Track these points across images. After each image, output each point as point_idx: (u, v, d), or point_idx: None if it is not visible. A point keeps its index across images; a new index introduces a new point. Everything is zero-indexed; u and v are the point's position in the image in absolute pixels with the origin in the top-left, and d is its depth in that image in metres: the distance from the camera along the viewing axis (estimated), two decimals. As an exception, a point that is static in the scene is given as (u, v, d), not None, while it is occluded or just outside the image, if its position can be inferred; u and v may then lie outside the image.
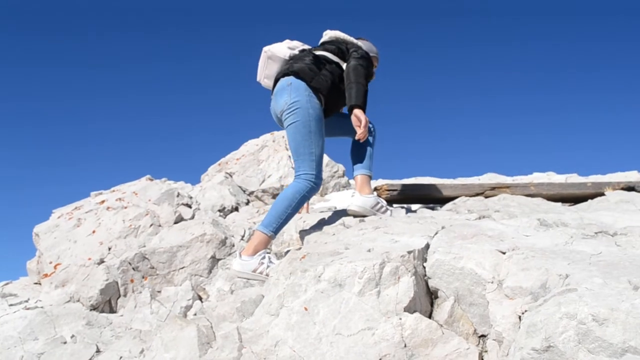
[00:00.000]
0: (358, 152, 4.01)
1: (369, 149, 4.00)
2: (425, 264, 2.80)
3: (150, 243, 4.15)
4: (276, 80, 3.84)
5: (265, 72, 3.99)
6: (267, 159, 6.20)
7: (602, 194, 5.00)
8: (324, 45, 4.05)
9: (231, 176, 6.05)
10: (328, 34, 4.19)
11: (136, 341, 3.01)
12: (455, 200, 4.84)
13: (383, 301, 2.55)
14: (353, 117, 3.67)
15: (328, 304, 2.57)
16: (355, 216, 3.98)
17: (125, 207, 4.75)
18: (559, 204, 4.87)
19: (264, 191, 5.88)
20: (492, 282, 2.54)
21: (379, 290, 2.58)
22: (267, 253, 3.58)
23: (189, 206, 5.26)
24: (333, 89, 3.80)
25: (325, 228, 3.75)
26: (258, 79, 4.05)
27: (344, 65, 3.89)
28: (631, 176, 6.49)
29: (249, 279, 3.48)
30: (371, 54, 4.08)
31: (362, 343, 2.41)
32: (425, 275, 2.77)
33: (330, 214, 4.41)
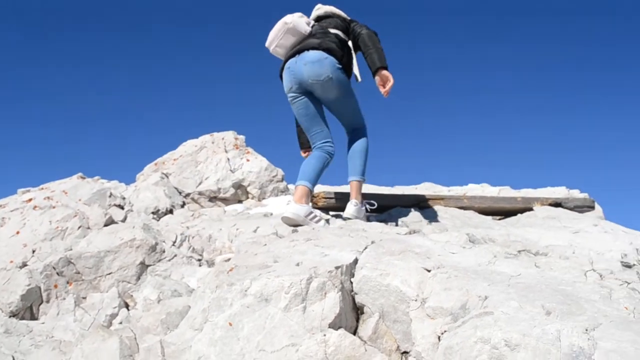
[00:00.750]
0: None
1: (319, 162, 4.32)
2: (352, 279, 2.81)
3: (77, 246, 4.03)
4: (299, 51, 4.15)
5: (281, 41, 4.26)
6: (205, 161, 6.12)
7: (531, 209, 5.16)
8: (329, 23, 4.33)
9: (167, 177, 5.94)
10: (322, 9, 4.49)
11: (55, 352, 2.92)
12: (391, 211, 4.91)
13: (308, 317, 2.56)
14: (379, 79, 4.03)
15: (253, 319, 2.55)
16: (288, 224, 4.00)
17: (54, 207, 4.61)
18: (490, 217, 5.00)
19: (200, 193, 5.80)
20: (415, 300, 2.58)
21: (305, 305, 2.59)
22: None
23: (122, 207, 5.15)
24: (351, 66, 4.23)
25: (258, 237, 3.74)
26: (268, 45, 4.34)
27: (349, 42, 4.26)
28: (559, 192, 6.72)
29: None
30: None
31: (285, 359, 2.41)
32: (352, 290, 2.78)
33: (265, 221, 4.40)
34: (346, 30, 4.34)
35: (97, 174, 6.08)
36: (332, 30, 4.26)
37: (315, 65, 4.07)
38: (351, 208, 4.29)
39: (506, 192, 6.96)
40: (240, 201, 5.87)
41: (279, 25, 4.26)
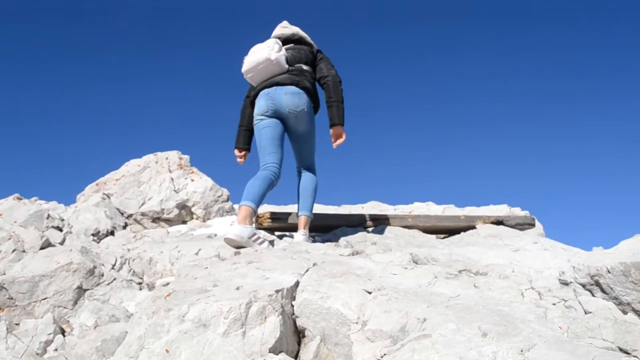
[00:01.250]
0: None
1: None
2: (293, 303, 2.79)
3: (11, 271, 3.88)
4: (278, 83, 4.46)
5: (260, 73, 4.52)
6: (149, 181, 6.01)
7: (474, 227, 5.24)
8: (300, 55, 4.63)
9: (109, 197, 5.81)
10: (289, 29, 4.79)
11: (-17, 383, 2.78)
12: (336, 230, 4.91)
13: (248, 342, 2.51)
14: (333, 132, 4.44)
15: (191, 346, 2.49)
16: (231, 246, 3.95)
17: (-13, 230, 4.43)
18: (434, 236, 5.05)
19: (143, 214, 5.69)
20: (356, 323, 2.57)
21: (245, 330, 2.54)
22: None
23: (60, 229, 5.00)
24: (316, 103, 4.60)
25: (200, 260, 3.67)
26: (245, 73, 4.57)
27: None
28: (501, 209, 6.85)
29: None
30: None
31: (223, 387, 2.36)
32: (294, 314, 2.75)
33: (208, 242, 4.33)
34: (313, 62, 4.68)
35: (35, 195, 5.90)
36: (305, 67, 4.60)
37: (295, 97, 4.42)
38: (300, 237, 4.45)
39: (451, 210, 7.07)
40: (184, 222, 5.79)
41: (261, 58, 4.48)
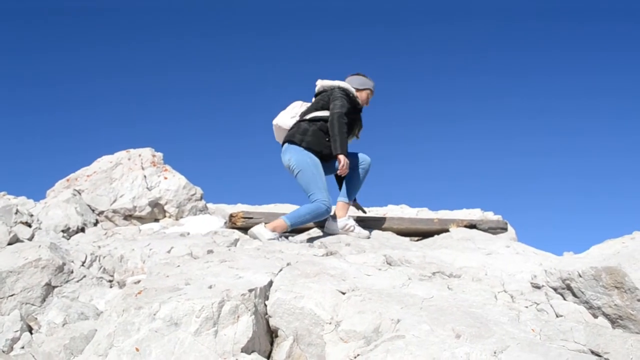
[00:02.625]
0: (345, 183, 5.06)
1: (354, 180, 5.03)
2: (267, 302, 2.76)
3: (-22, 266, 3.79)
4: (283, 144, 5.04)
5: (278, 136, 5.23)
6: (121, 178, 5.91)
7: (447, 230, 5.25)
8: (316, 104, 5.05)
9: (80, 193, 5.70)
10: (318, 84, 5.20)
11: (-55, 381, 2.71)
12: (310, 231, 4.89)
13: (220, 341, 2.48)
14: (337, 160, 4.72)
15: (162, 344, 2.45)
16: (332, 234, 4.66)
17: (-47, 225, 4.32)
18: (408, 238, 5.05)
19: (114, 211, 5.59)
20: (330, 323, 2.56)
21: (217, 329, 2.51)
22: (279, 236, 4.47)
23: (29, 225, 4.90)
24: (322, 140, 4.87)
25: (172, 258, 3.63)
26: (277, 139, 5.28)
27: None
28: (475, 213, 6.90)
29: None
30: (362, 88, 5.11)
31: (194, 386, 2.32)
32: (267, 313, 2.73)
33: (180, 241, 4.28)
34: (328, 104, 4.99)
35: (3, 190, 5.77)
36: (309, 115, 4.99)
37: (283, 155, 4.94)
38: (268, 235, 4.51)
39: (424, 213, 7.10)
40: (157, 220, 5.70)
41: (274, 127, 5.26)
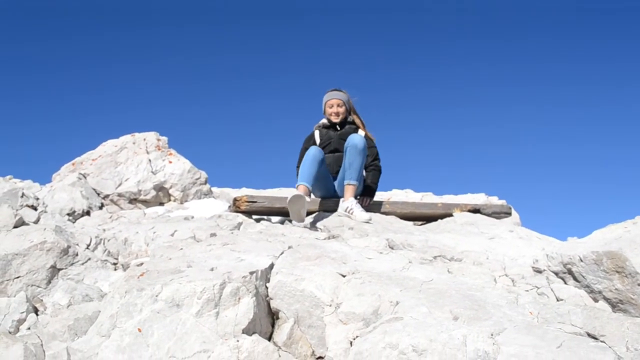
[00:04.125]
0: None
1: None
2: (268, 284, 2.79)
3: (-16, 249, 3.83)
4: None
5: None
6: (126, 162, 5.94)
7: (451, 215, 5.26)
8: None
9: (85, 177, 5.74)
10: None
11: (-47, 360, 2.75)
12: (313, 215, 4.90)
13: (221, 322, 2.51)
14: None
15: (164, 325, 2.48)
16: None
17: (-41, 207, 4.36)
18: (411, 223, 5.06)
19: (120, 195, 5.64)
20: (330, 305, 2.58)
21: (218, 311, 2.54)
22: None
23: (35, 208, 4.93)
24: None
25: (175, 241, 3.65)
26: None
27: None
28: (479, 198, 6.90)
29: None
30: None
31: (195, 366, 2.35)
32: (268, 295, 2.75)
33: (184, 224, 4.31)
34: None
35: (9, 173, 5.81)
36: None
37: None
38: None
39: (429, 198, 7.10)
40: (161, 203, 5.74)
41: None
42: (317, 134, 5.33)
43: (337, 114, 5.25)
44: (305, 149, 5.24)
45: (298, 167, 5.18)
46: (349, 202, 4.74)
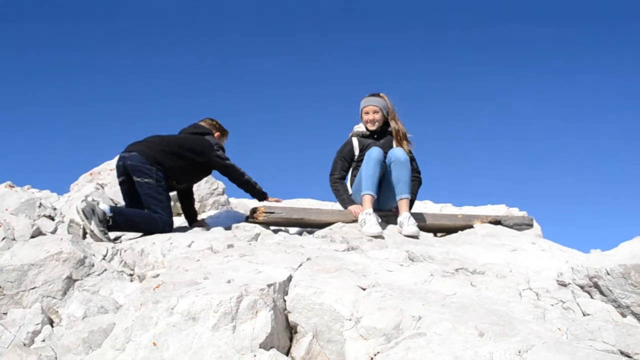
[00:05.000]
0: None
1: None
2: (286, 297, 2.72)
3: (0, 259, 3.80)
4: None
5: None
6: (143, 172, 5.93)
7: (471, 226, 5.17)
8: None
9: (103, 187, 5.74)
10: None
11: (-34, 373, 2.72)
12: (332, 226, 4.83)
13: (238, 336, 2.45)
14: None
15: (179, 339, 2.43)
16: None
17: (-23, 217, 4.36)
18: (431, 234, 4.98)
19: (137, 206, 5.62)
20: (350, 320, 2.50)
21: (235, 325, 2.48)
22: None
23: (52, 218, 4.93)
24: None
25: (192, 252, 3.61)
26: None
27: None
28: (499, 209, 6.79)
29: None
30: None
31: (211, 382, 2.29)
32: (286, 309, 2.69)
33: (201, 235, 4.26)
34: None
35: (28, 183, 5.82)
36: None
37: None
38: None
39: (448, 209, 7.00)
40: (179, 214, 5.71)
41: None
42: (355, 142, 5.21)
43: (373, 121, 5.14)
44: (341, 158, 5.15)
45: (332, 175, 5.17)
46: (363, 214, 4.61)
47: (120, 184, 4.72)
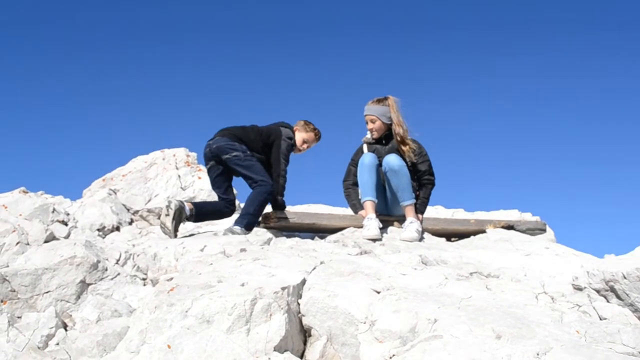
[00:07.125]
0: None
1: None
2: (300, 301, 2.71)
3: (15, 263, 3.83)
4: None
5: None
6: (155, 177, 5.96)
7: (484, 231, 5.14)
8: None
9: (115, 193, 5.76)
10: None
11: (-19, 376, 2.72)
12: (344, 231, 4.82)
13: (252, 340, 2.44)
14: None
15: (194, 342, 2.42)
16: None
17: (-9, 222, 4.38)
18: (443, 239, 4.96)
19: (149, 211, 5.63)
20: (364, 323, 2.49)
21: (249, 327, 2.47)
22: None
23: (65, 223, 4.95)
24: None
25: (205, 256, 3.61)
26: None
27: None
28: (512, 214, 6.75)
29: None
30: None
31: (226, 385, 2.29)
32: (300, 312, 2.68)
33: (213, 239, 4.27)
34: None
35: (41, 189, 5.84)
36: None
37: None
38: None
39: (460, 214, 6.98)
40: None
41: None
42: (365, 148, 5.22)
43: (372, 131, 5.11)
44: (353, 165, 5.14)
45: (344, 181, 5.20)
46: (366, 220, 4.58)
47: (209, 170, 5.07)
